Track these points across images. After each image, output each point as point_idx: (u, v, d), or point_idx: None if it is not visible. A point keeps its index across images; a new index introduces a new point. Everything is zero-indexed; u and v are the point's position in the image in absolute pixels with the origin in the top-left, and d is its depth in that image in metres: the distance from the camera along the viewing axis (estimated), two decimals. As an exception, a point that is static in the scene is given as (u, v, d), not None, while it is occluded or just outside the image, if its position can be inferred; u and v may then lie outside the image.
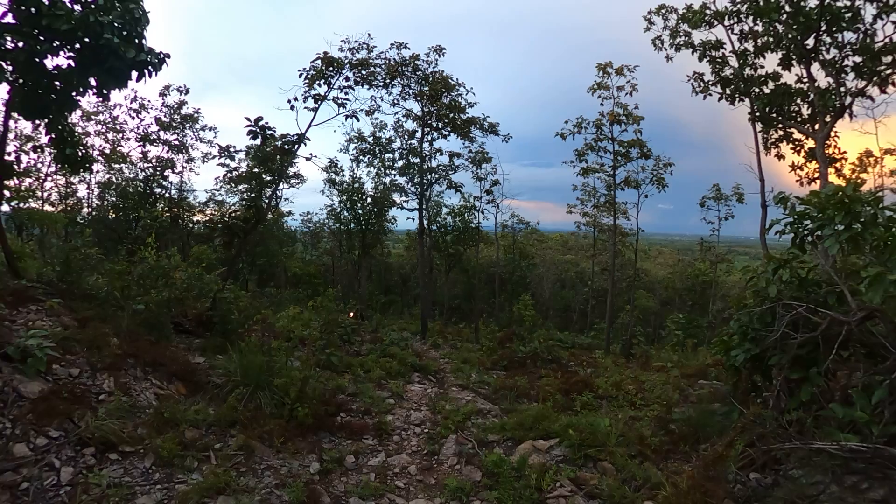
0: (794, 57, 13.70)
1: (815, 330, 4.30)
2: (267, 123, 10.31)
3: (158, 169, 25.38)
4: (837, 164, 15.79)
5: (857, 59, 12.91)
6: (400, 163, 24.02)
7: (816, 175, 14.83)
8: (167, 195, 26.56)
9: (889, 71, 12.55)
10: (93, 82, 6.80)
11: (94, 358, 5.56)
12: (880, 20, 12.20)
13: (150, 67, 6.72)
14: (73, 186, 25.51)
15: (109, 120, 24.60)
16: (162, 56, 6.83)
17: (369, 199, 27.51)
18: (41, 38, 6.28)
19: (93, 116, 24.12)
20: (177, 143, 25.66)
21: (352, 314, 14.62)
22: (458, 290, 35.65)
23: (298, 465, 5.02)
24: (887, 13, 12.00)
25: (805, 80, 13.90)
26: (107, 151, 24.52)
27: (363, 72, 13.36)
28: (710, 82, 15.42)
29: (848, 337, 4.14)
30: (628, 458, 5.11)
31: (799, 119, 14.86)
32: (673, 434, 5.60)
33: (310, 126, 11.44)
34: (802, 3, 12.75)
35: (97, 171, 24.95)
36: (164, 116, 25.16)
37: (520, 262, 35.21)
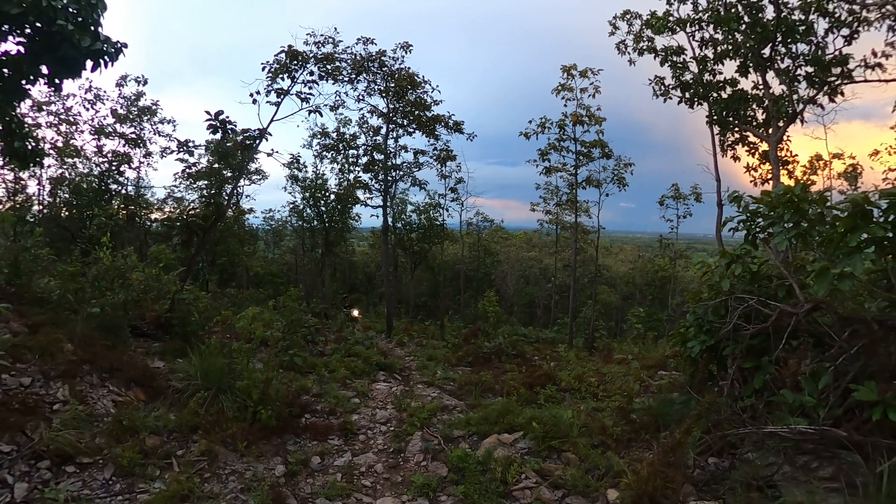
0: (750, 65, 14.43)
1: (766, 321, 4.50)
2: (228, 117, 10.03)
3: (114, 164, 24.15)
4: (789, 167, 16.77)
5: (810, 69, 13.81)
6: (364, 159, 23.77)
7: (769, 176, 15.62)
8: (123, 192, 25.35)
9: (838, 81, 13.47)
10: (44, 70, 6.41)
11: (46, 365, 5.31)
12: (831, 34, 13.20)
13: (105, 57, 6.37)
14: (23, 182, 23.77)
15: (62, 111, 23.14)
16: (119, 45, 6.50)
17: (333, 196, 27.13)
18: (-12, 22, 5.90)
19: (44, 107, 22.59)
20: (134, 136, 24.56)
21: (356, 313, 13.87)
22: (424, 288, 35.66)
23: (263, 469, 4.93)
24: (838, 28, 12.96)
25: (761, 86, 14.65)
26: (59, 145, 23.04)
27: (328, 66, 13.19)
28: (671, 86, 15.98)
29: (797, 327, 4.36)
30: (591, 447, 5.22)
31: (754, 123, 15.64)
32: (634, 423, 5.76)
33: (272, 121, 11.21)
34: (760, 15, 13.52)
35: (48, 166, 23.34)
36: (121, 108, 24.03)
37: (484, 259, 35.51)
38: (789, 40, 13.58)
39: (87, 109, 23.52)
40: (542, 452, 5.26)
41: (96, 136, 23.73)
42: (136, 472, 4.36)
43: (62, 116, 23.28)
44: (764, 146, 15.85)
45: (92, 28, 6.16)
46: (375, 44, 19.58)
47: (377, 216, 23.47)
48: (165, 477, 4.41)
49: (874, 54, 13.47)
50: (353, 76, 18.39)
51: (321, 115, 15.11)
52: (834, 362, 3.94)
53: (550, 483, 4.68)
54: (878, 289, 4.50)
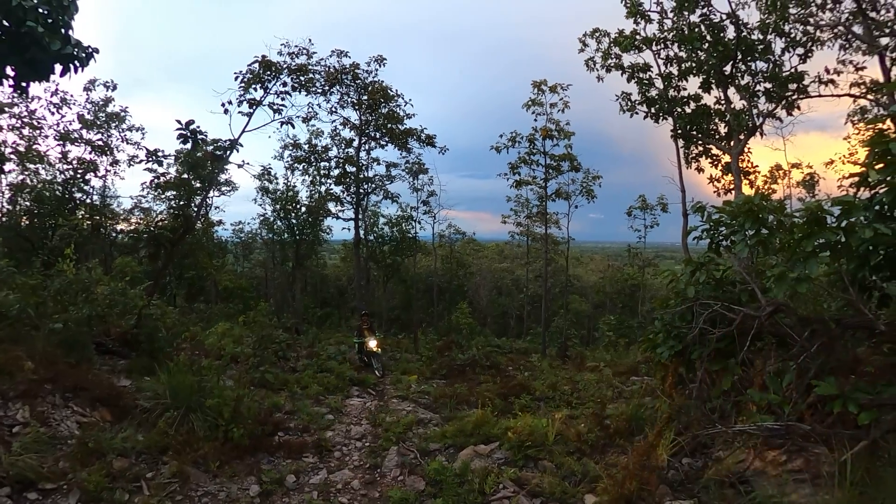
0: (713, 81, 15.24)
1: (731, 325, 4.66)
2: (198, 127, 9.86)
3: (79, 171, 23.07)
4: (751, 177, 17.64)
5: (768, 85, 14.80)
6: (336, 172, 23.66)
7: (732, 186, 16.32)
8: (88, 201, 24.24)
9: (795, 96, 14.44)
10: (10, 72, 6.19)
11: (5, 385, 5.09)
12: (788, 52, 14.31)
13: (76, 62, 6.17)
14: (-20, 188, 22.87)
15: (26, 114, 21.90)
16: (90, 51, 6.28)
17: (304, 209, 26.86)
18: (-47, 20, 5.65)
19: (6, 109, 21.39)
20: (101, 143, 23.61)
21: (374, 344, 12.15)
22: (397, 301, 35.41)
23: (237, 489, 4.82)
24: (794, 47, 14.06)
25: (722, 101, 15.45)
26: (21, 149, 21.83)
27: (302, 78, 13.14)
28: (638, 102, 16.59)
29: (760, 329, 4.53)
30: (567, 455, 5.27)
31: (717, 136, 16.41)
32: (608, 429, 5.83)
33: (243, 131, 11.10)
34: (722, 35, 14.40)
35: (9, 172, 22.00)
36: (88, 114, 23.14)
37: (457, 271, 35.52)
38: (749, 58, 14.42)
39: (53, 113, 22.44)
40: (519, 462, 5.29)
41: (61, 142, 22.66)
42: (104, 497, 4.19)
43: (25, 120, 22.07)
44: (726, 158, 16.56)
45: (63, 31, 5.96)
46: (349, 56, 19.70)
47: (349, 229, 23.38)
48: (135, 501, 4.27)
49: (827, 71, 14.49)
50: (327, 88, 18.38)
51: (293, 127, 14.89)
52: (796, 361, 4.10)
53: (528, 491, 4.70)
54: (836, 290, 4.72)
